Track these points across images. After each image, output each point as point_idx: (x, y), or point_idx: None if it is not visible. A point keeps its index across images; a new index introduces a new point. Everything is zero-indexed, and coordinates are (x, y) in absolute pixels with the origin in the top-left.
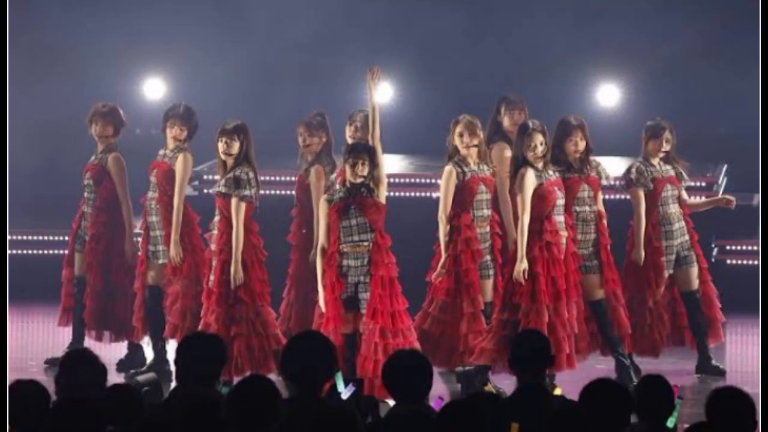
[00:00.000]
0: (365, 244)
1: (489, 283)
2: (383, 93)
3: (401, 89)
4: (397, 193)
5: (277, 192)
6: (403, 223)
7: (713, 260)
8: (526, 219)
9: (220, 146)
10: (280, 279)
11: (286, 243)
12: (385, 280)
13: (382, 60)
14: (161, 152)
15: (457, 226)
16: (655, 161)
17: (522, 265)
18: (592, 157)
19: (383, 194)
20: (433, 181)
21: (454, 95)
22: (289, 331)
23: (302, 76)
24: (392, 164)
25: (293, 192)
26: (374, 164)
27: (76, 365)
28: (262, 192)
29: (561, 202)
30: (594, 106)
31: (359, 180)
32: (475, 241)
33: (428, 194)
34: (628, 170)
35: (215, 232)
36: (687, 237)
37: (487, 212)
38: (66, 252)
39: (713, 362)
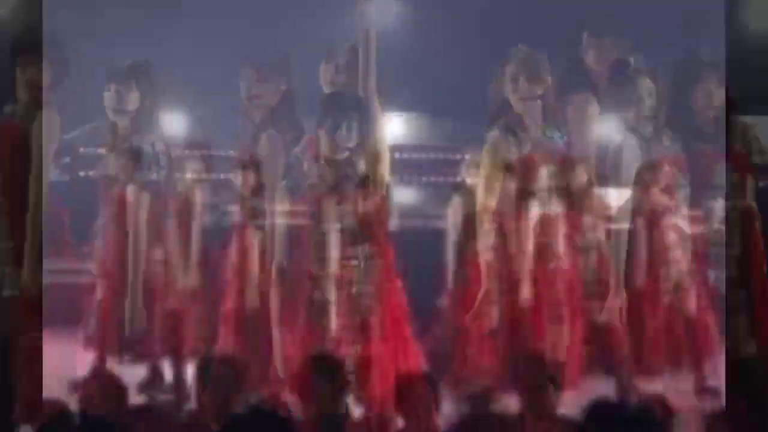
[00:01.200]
0: (354, 262)
1: (561, 330)
2: (383, 11)
3: (413, 9)
4: (406, 178)
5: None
6: (417, 226)
7: None
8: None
9: (108, 99)
10: (210, 322)
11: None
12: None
13: None
14: (8, 108)
15: (508, 230)
16: None
17: (617, 301)
18: (735, 117)
19: (383, 179)
20: (467, 156)
21: (498, 19)
22: None
23: None
24: (399, 129)
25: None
26: (367, 129)
27: None
28: (177, 175)
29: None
30: (739, 33)
31: (343, 154)
32: None
33: (458, 179)
34: None
35: (100, 242)
36: None
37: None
38: None
39: None
